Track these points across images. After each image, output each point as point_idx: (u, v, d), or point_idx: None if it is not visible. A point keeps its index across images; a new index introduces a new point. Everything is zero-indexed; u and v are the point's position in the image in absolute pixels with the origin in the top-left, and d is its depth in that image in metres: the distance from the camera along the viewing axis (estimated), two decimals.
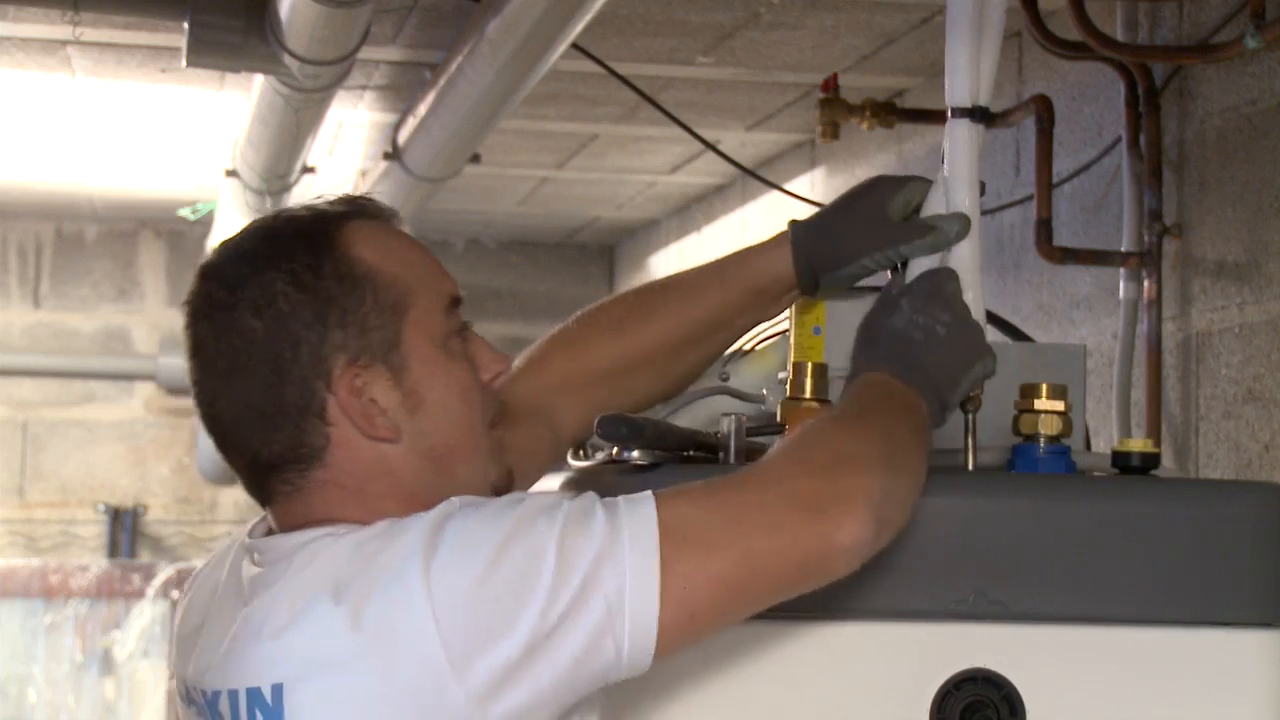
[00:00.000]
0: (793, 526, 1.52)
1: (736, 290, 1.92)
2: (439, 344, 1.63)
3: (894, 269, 1.86)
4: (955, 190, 1.86)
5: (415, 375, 1.61)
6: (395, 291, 1.61)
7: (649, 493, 1.52)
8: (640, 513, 1.50)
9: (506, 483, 1.68)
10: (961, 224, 1.82)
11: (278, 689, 1.50)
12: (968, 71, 1.87)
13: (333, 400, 1.58)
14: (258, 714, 1.51)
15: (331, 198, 1.68)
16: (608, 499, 1.52)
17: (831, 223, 1.89)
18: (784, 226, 1.93)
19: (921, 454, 1.64)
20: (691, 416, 1.98)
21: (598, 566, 1.47)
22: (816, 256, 1.88)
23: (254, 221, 1.68)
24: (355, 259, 1.60)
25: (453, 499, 1.54)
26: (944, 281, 1.77)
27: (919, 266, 1.83)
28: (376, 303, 1.60)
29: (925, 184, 1.88)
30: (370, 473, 1.59)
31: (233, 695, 1.54)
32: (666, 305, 1.95)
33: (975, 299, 1.85)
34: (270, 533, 1.65)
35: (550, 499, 1.53)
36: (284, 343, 1.58)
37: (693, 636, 1.52)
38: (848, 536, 1.53)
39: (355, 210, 1.65)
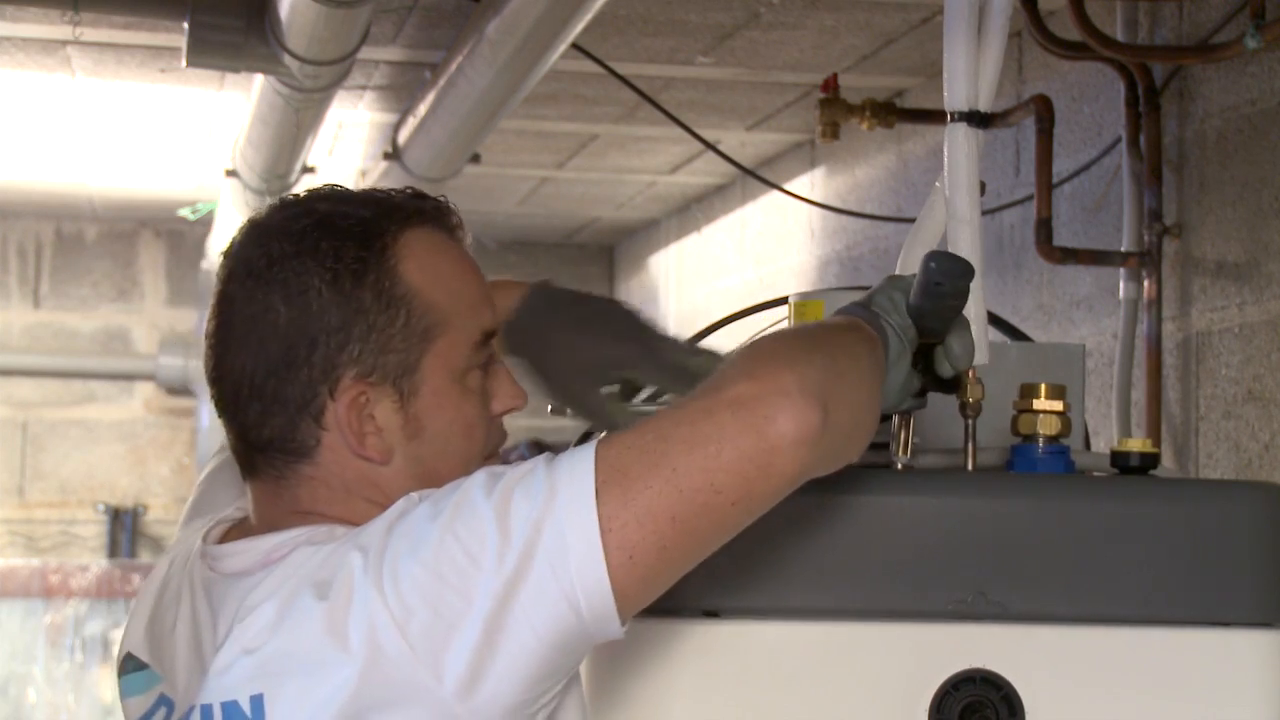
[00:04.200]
0: (718, 431, 1.41)
1: None
2: (457, 377, 1.59)
3: None
4: (955, 195, 1.86)
5: (423, 404, 1.57)
6: (430, 319, 1.57)
7: (593, 441, 1.46)
8: (577, 465, 1.43)
9: None
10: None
11: (257, 700, 1.48)
12: (965, 76, 1.87)
13: (332, 408, 1.55)
14: None
15: (401, 192, 1.63)
16: (557, 456, 1.47)
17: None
18: (783, 227, 1.91)
19: (873, 370, 1.55)
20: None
21: (538, 529, 1.42)
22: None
23: (320, 190, 1.62)
24: (401, 275, 1.56)
25: (410, 495, 1.51)
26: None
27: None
28: (406, 326, 1.56)
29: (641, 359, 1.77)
30: (357, 482, 1.57)
31: (206, 710, 1.51)
32: None
33: (976, 299, 1.85)
34: (230, 530, 1.63)
35: (498, 469, 1.48)
36: (302, 338, 1.54)
37: (647, 582, 1.44)
38: (786, 424, 1.41)
39: (421, 213, 1.60)
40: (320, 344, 1.54)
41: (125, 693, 1.66)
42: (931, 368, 1.69)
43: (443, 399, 1.58)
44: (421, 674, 1.42)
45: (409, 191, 1.63)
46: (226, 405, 1.59)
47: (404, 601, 1.43)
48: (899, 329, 1.63)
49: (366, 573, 1.45)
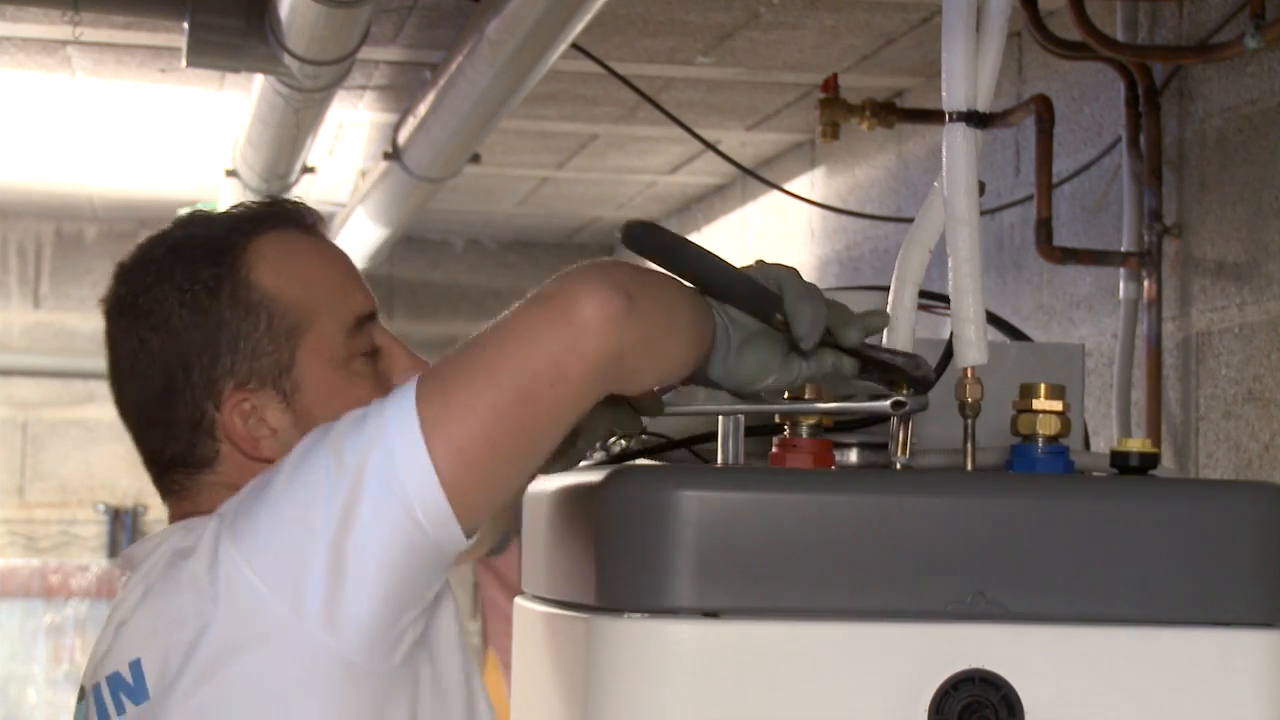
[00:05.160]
0: (526, 326, 1.47)
1: None
2: (339, 365, 1.63)
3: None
4: (953, 195, 1.86)
5: (308, 398, 1.61)
6: (292, 317, 1.62)
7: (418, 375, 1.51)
8: (400, 391, 1.49)
9: None
10: None
11: (135, 664, 1.53)
12: (964, 76, 1.87)
13: (221, 420, 1.61)
14: (121, 696, 1.54)
15: (254, 201, 1.69)
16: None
17: None
18: (783, 227, 1.92)
19: (688, 317, 1.57)
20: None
21: (366, 451, 1.46)
22: None
23: (180, 218, 1.69)
24: (254, 283, 1.61)
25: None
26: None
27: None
28: (270, 328, 1.61)
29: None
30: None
31: (96, 690, 1.57)
32: None
33: (976, 299, 1.85)
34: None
35: (332, 422, 1.53)
36: (176, 361, 1.61)
37: (481, 477, 1.48)
38: (591, 304, 1.46)
39: (272, 218, 1.66)
40: (194, 364, 1.61)
41: None
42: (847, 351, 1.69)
43: (328, 389, 1.62)
44: (280, 609, 1.46)
45: (265, 199, 1.69)
46: (133, 435, 1.67)
47: (254, 543, 1.48)
48: (738, 323, 1.65)
49: (221, 529, 1.51)
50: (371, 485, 1.45)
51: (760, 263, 1.68)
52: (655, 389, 1.72)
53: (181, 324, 1.61)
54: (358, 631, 1.47)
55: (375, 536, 1.46)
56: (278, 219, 1.66)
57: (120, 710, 1.55)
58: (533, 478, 1.65)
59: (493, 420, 1.46)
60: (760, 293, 1.65)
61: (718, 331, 1.62)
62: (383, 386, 1.63)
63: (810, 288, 1.68)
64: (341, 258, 1.69)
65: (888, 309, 1.88)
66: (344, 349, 1.63)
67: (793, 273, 1.67)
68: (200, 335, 1.61)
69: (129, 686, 1.54)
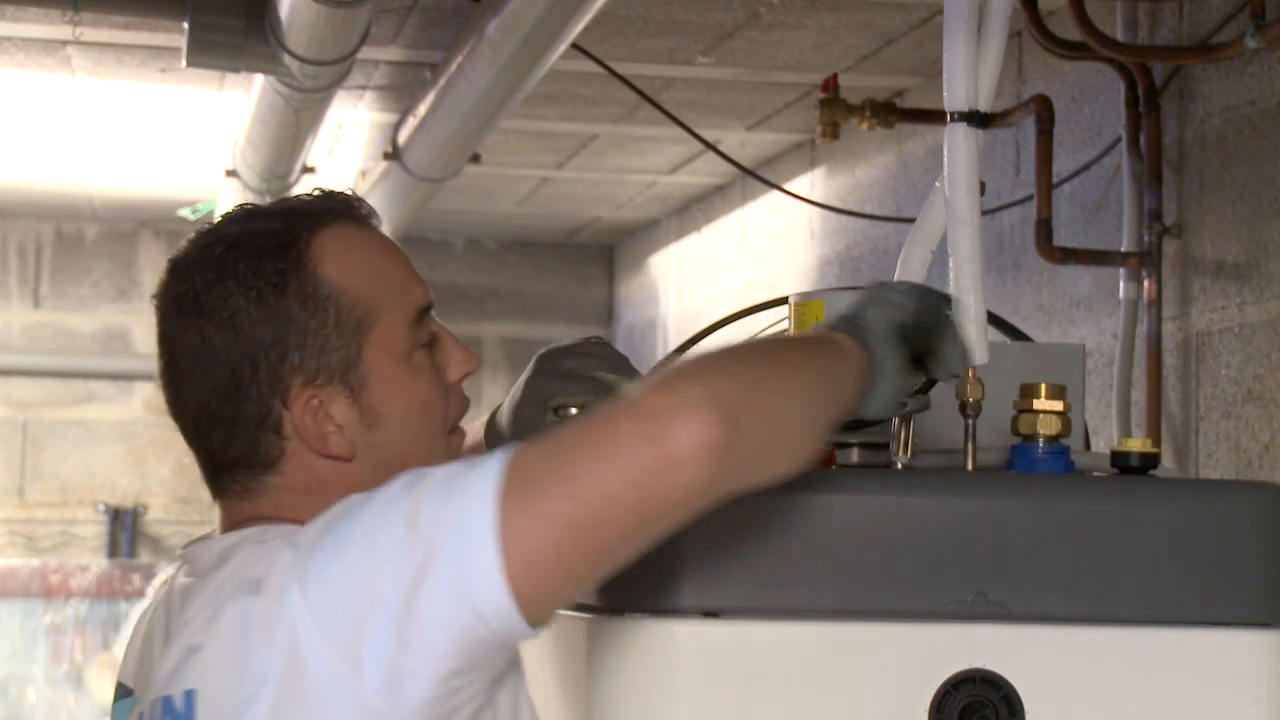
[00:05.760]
0: (617, 441, 1.38)
1: None
2: (402, 359, 1.61)
3: None
4: (954, 195, 1.86)
5: (374, 393, 1.59)
6: (359, 311, 1.59)
7: (512, 446, 1.44)
8: (488, 467, 1.42)
9: None
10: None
11: (189, 695, 1.49)
12: (965, 76, 1.87)
13: (289, 417, 1.58)
14: None
15: (309, 195, 1.65)
16: (479, 458, 1.46)
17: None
18: (783, 227, 1.92)
19: (822, 381, 1.52)
20: None
21: (441, 528, 1.41)
22: None
23: (231, 213, 1.66)
24: (321, 277, 1.59)
25: (352, 495, 1.51)
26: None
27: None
28: (339, 323, 1.58)
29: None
30: (322, 483, 1.59)
31: (153, 705, 1.54)
32: None
33: (976, 299, 1.85)
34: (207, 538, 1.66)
35: (425, 470, 1.47)
36: (242, 358, 1.58)
37: (548, 588, 1.41)
38: (686, 435, 1.36)
39: (330, 212, 1.63)
40: (261, 361, 1.58)
41: (114, 718, 1.69)
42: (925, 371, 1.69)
43: (393, 383, 1.60)
44: (340, 670, 1.42)
45: (315, 193, 1.66)
46: (191, 434, 1.63)
47: (321, 597, 1.44)
48: (885, 339, 1.61)
49: (292, 569, 1.46)
50: (441, 568, 1.40)
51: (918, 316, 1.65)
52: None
53: (248, 320, 1.57)
54: (415, 703, 1.42)
55: (437, 619, 1.41)
56: (335, 212, 1.63)
57: None
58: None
59: (568, 538, 1.39)
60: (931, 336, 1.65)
61: (874, 371, 1.59)
62: (439, 379, 1.63)
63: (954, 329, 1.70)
64: (398, 250, 1.67)
65: None
66: (407, 342, 1.61)
67: (947, 313, 1.68)
68: (268, 331, 1.57)
69: (177, 714, 1.50)
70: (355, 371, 1.59)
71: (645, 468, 1.37)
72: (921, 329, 1.64)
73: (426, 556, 1.41)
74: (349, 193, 1.67)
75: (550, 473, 1.40)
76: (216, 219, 1.67)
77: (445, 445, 1.65)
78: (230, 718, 1.46)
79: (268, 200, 1.71)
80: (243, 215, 1.65)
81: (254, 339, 1.57)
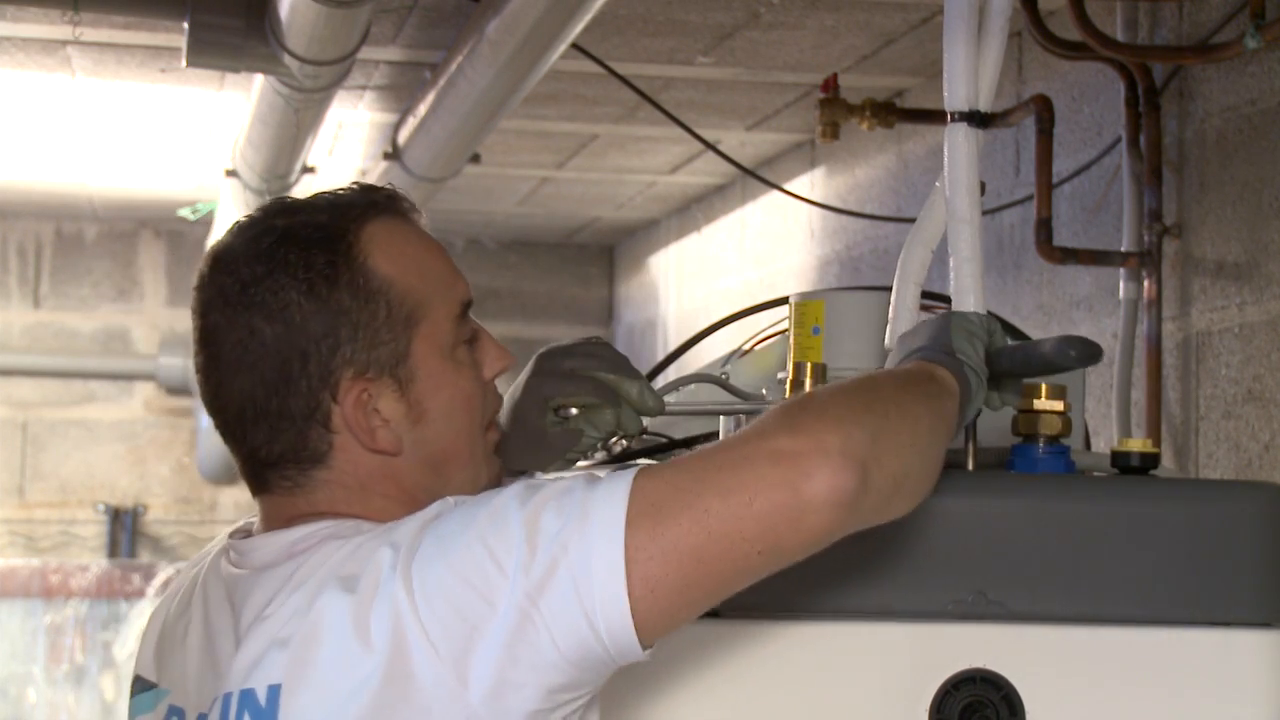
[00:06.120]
0: (754, 481, 1.43)
1: None
2: (447, 354, 1.61)
3: None
4: (954, 195, 1.86)
5: (421, 387, 1.59)
6: (409, 304, 1.59)
7: (634, 467, 1.47)
8: (614, 490, 1.45)
9: (497, 483, 1.67)
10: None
11: (274, 690, 1.48)
12: (965, 76, 1.87)
13: (338, 411, 1.57)
14: (246, 716, 1.49)
15: (347, 189, 1.64)
16: (595, 477, 1.48)
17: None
18: (783, 227, 1.92)
19: (936, 424, 1.56)
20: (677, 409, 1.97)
21: (565, 548, 1.43)
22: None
23: (272, 207, 1.63)
24: (372, 270, 1.58)
25: (447, 499, 1.53)
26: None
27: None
28: (390, 316, 1.58)
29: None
30: (371, 478, 1.58)
31: (225, 699, 1.51)
32: None
33: (976, 299, 1.85)
34: (251, 533, 1.64)
35: (535, 482, 1.50)
36: (293, 351, 1.56)
37: (667, 615, 1.45)
38: (821, 484, 1.42)
39: (375, 205, 1.62)
40: (312, 354, 1.56)
41: (134, 713, 1.68)
42: None
43: (439, 378, 1.60)
44: (445, 675, 1.43)
45: (356, 186, 1.65)
46: (232, 430, 1.61)
47: (429, 602, 1.44)
48: (979, 372, 1.65)
49: (395, 570, 1.46)
50: (563, 586, 1.42)
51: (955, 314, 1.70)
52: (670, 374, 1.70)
53: (300, 313, 1.56)
54: (518, 714, 1.44)
55: (553, 634, 1.43)
56: (380, 206, 1.62)
57: None
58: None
59: (694, 567, 1.43)
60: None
61: (972, 396, 1.64)
62: (479, 375, 1.63)
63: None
64: (440, 245, 1.66)
65: (889, 309, 1.88)
66: (452, 336, 1.61)
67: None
68: (320, 324, 1.56)
69: (259, 709, 1.48)
70: (404, 365, 1.58)
71: (780, 511, 1.43)
72: (994, 358, 1.68)
73: (547, 572, 1.42)
74: (390, 187, 1.66)
75: (684, 507, 1.43)
76: (253, 214, 1.64)
77: (483, 441, 1.65)
78: (321, 716, 1.45)
79: (267, 200, 1.70)
80: (288, 208, 1.62)
81: (305, 331, 1.56)
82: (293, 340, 1.56)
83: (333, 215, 1.60)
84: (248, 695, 1.50)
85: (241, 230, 1.62)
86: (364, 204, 1.62)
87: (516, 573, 1.42)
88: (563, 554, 1.43)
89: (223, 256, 1.61)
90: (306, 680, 1.47)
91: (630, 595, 1.42)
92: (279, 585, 1.53)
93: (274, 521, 1.61)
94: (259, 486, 1.62)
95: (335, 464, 1.58)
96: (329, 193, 1.64)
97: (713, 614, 1.62)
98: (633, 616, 1.43)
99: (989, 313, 1.91)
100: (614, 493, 1.45)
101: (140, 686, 1.67)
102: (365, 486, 1.59)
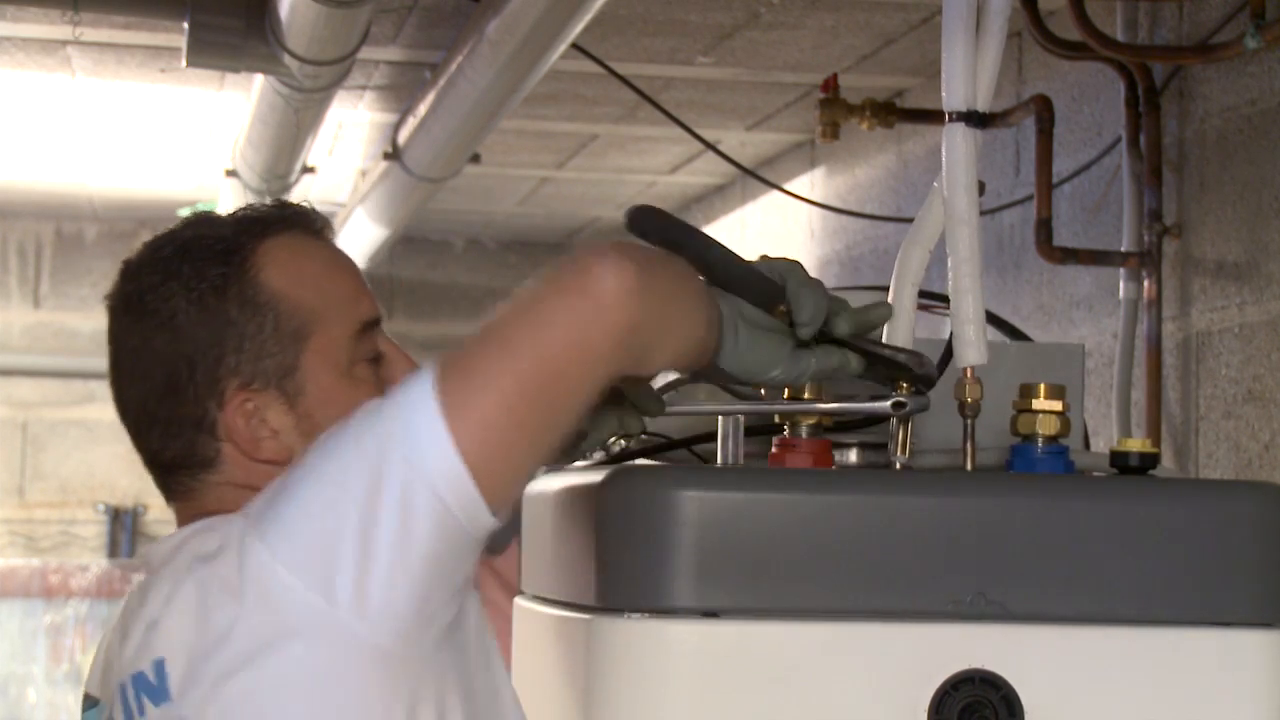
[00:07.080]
0: (546, 304, 1.47)
1: None
2: (342, 371, 1.64)
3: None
4: (953, 195, 1.86)
5: (311, 401, 1.62)
6: (298, 319, 1.62)
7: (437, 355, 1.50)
8: (416, 376, 1.47)
9: None
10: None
11: (159, 664, 1.53)
12: (964, 76, 1.87)
13: (223, 420, 1.61)
14: (143, 697, 1.54)
15: (263, 204, 1.69)
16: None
17: None
18: (783, 227, 1.92)
19: (699, 301, 1.56)
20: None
21: (387, 438, 1.45)
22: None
23: (190, 219, 1.70)
24: (263, 283, 1.62)
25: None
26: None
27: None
28: (277, 330, 1.61)
29: None
30: (262, 479, 1.60)
31: (122, 689, 1.56)
32: None
33: (975, 299, 1.84)
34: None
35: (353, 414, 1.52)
36: (180, 360, 1.61)
37: (506, 459, 1.46)
38: (608, 275, 1.46)
39: (282, 221, 1.66)
40: (198, 363, 1.61)
41: None
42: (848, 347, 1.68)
43: (331, 394, 1.63)
44: (311, 600, 1.45)
45: (273, 203, 1.69)
46: (133, 436, 1.66)
47: (282, 538, 1.47)
48: (724, 297, 1.62)
49: (248, 528, 1.50)
50: (395, 470, 1.44)
51: (764, 257, 1.68)
52: (670, 374, 1.71)
53: (187, 322, 1.61)
54: (389, 616, 1.46)
55: (403, 520, 1.44)
56: (287, 222, 1.66)
57: (141, 711, 1.54)
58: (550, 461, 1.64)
59: (517, 396, 1.44)
60: (763, 281, 1.64)
61: (725, 318, 1.61)
62: (384, 393, 1.62)
63: (814, 280, 1.67)
64: (349, 263, 1.69)
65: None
66: (348, 354, 1.64)
67: (796, 265, 1.67)
68: (206, 333, 1.61)
69: (151, 686, 1.53)
70: (292, 379, 1.62)
71: (579, 314, 1.46)
72: (725, 278, 1.63)
73: (377, 465, 1.44)
74: (305, 204, 1.70)
75: (485, 349, 1.45)
76: (170, 227, 1.71)
77: None
78: (201, 671, 1.49)
79: (269, 201, 1.72)
80: (197, 221, 1.69)
81: (192, 340, 1.61)
82: (180, 349, 1.61)
83: (236, 229, 1.65)
84: (139, 678, 1.54)
85: (151, 241, 1.68)
86: (272, 220, 1.66)
87: (352, 479, 1.45)
88: (387, 441, 1.45)
89: (130, 265, 1.67)
90: (184, 644, 1.51)
91: (459, 446, 1.43)
92: (159, 583, 1.58)
93: (179, 524, 1.66)
94: (165, 491, 1.68)
95: (224, 469, 1.63)
96: (248, 208, 1.69)
97: (712, 614, 1.62)
98: (468, 467, 1.43)
99: (989, 311, 1.91)
100: (416, 376, 1.47)
101: (88, 704, 1.71)
102: (255, 488, 1.60)
